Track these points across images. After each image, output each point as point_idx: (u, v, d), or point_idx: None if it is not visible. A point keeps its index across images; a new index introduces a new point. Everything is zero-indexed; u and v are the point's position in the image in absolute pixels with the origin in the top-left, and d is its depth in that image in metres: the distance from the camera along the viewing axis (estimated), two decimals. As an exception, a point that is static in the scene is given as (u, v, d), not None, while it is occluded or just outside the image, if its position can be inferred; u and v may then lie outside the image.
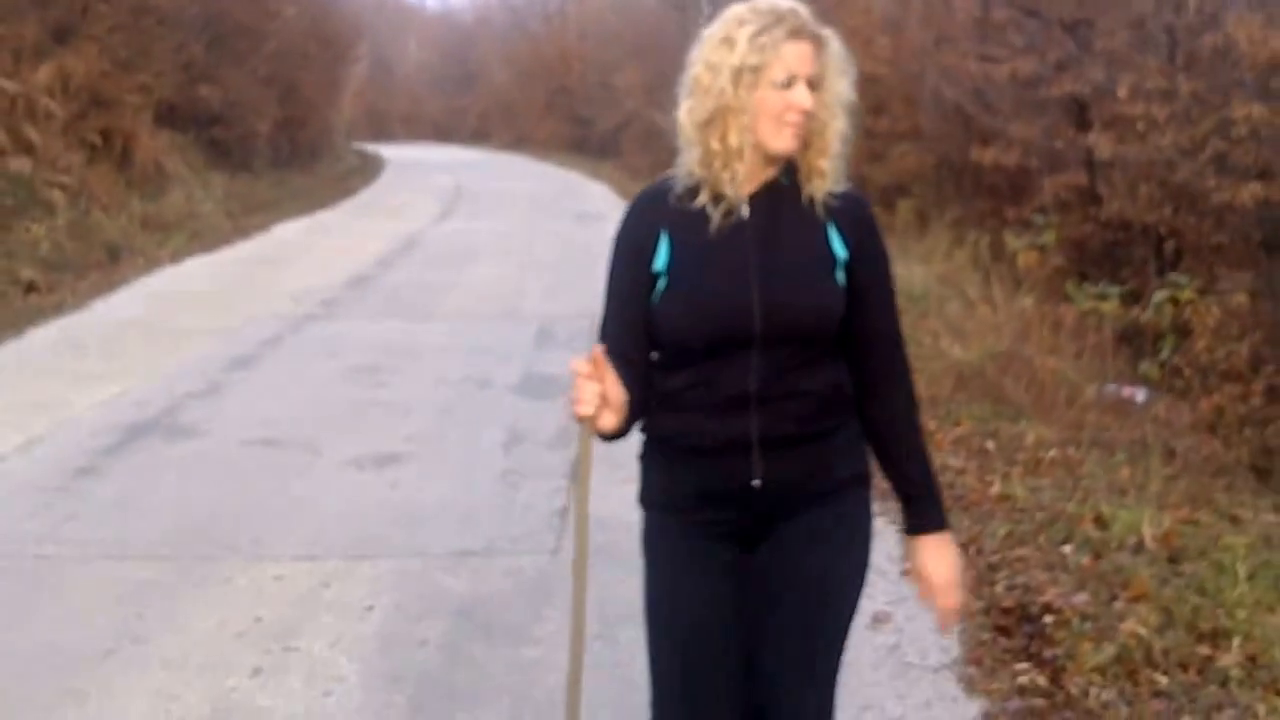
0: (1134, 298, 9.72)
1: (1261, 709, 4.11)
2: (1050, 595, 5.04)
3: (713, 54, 2.58)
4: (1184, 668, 4.43)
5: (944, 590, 2.75)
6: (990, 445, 7.07)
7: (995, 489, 6.33)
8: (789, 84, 2.54)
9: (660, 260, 2.61)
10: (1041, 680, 4.42)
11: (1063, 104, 12.52)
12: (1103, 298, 9.28)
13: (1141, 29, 10.99)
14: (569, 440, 7.10)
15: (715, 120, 2.56)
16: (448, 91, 65.13)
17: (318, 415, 7.84)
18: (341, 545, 5.59)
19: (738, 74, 2.53)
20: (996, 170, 13.57)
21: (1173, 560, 5.40)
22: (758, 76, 2.53)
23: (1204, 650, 4.55)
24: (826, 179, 2.62)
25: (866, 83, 11.73)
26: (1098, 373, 8.71)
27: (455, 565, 5.37)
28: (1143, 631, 4.62)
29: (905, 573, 5.42)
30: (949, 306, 10.67)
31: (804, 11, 2.60)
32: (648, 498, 2.77)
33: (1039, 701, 4.27)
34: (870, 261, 2.69)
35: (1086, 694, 4.27)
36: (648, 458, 2.76)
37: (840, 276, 2.63)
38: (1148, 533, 5.60)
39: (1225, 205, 8.40)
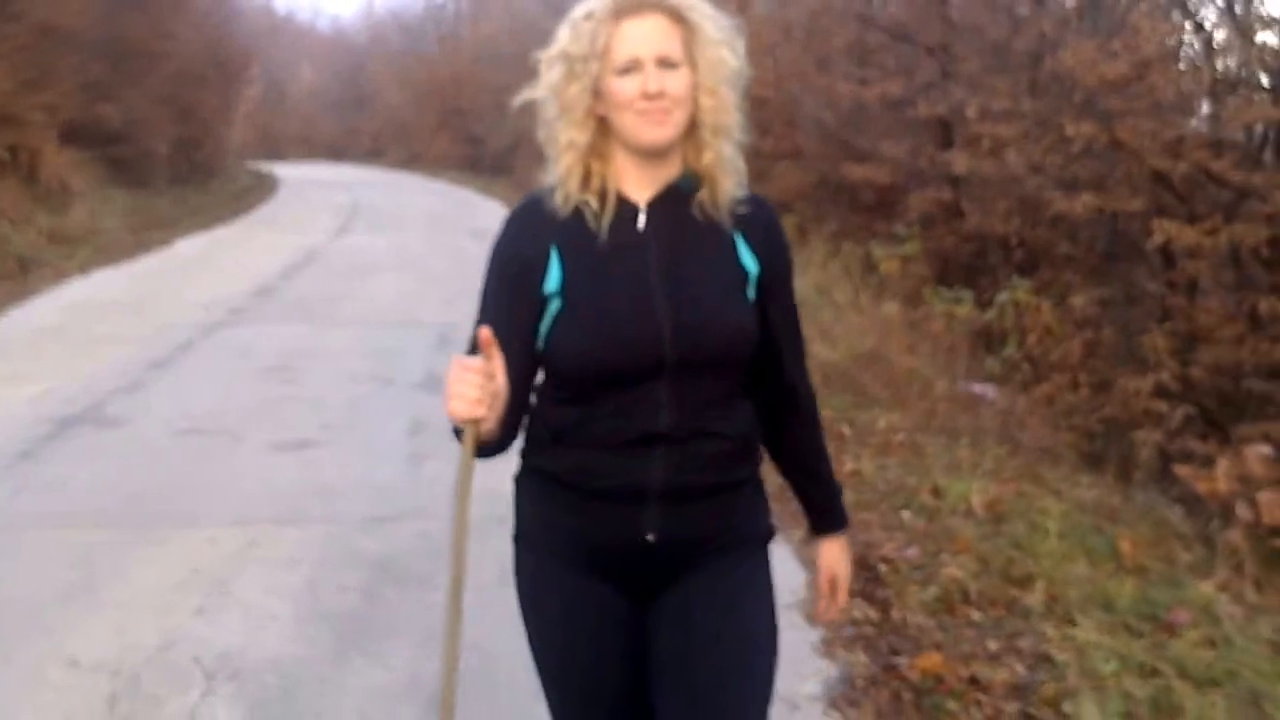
0: (990, 303, 10.62)
1: (1054, 634, 4.92)
2: (886, 549, 5.86)
3: (551, 48, 2.37)
4: (994, 605, 5.25)
5: (841, 587, 2.70)
6: (846, 430, 7.89)
7: (848, 467, 7.14)
8: (629, 68, 2.27)
9: (551, 280, 2.32)
10: (873, 614, 5.22)
11: (928, 124, 13.47)
12: (957, 302, 10.18)
13: (998, 54, 11.95)
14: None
15: (557, 120, 2.35)
16: (341, 112, 65.36)
17: (236, 408, 8.45)
18: (267, 514, 6.25)
19: (565, 64, 2.31)
20: (869, 187, 14.50)
21: (996, 522, 6.23)
22: (590, 66, 2.29)
23: (1013, 592, 5.37)
24: (727, 179, 2.37)
25: (753, 104, 12.76)
26: (951, 370, 9.59)
27: (369, 529, 6.06)
28: (961, 575, 5.45)
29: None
30: (822, 313, 11.49)
31: None
32: (525, 534, 2.53)
33: (869, 629, 5.07)
34: (778, 277, 2.45)
35: (908, 623, 5.09)
36: (526, 490, 2.52)
37: (751, 293, 2.39)
38: (976, 500, 6.43)
39: (1063, 215, 9.32)
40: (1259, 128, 8.39)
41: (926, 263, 12.08)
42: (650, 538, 2.36)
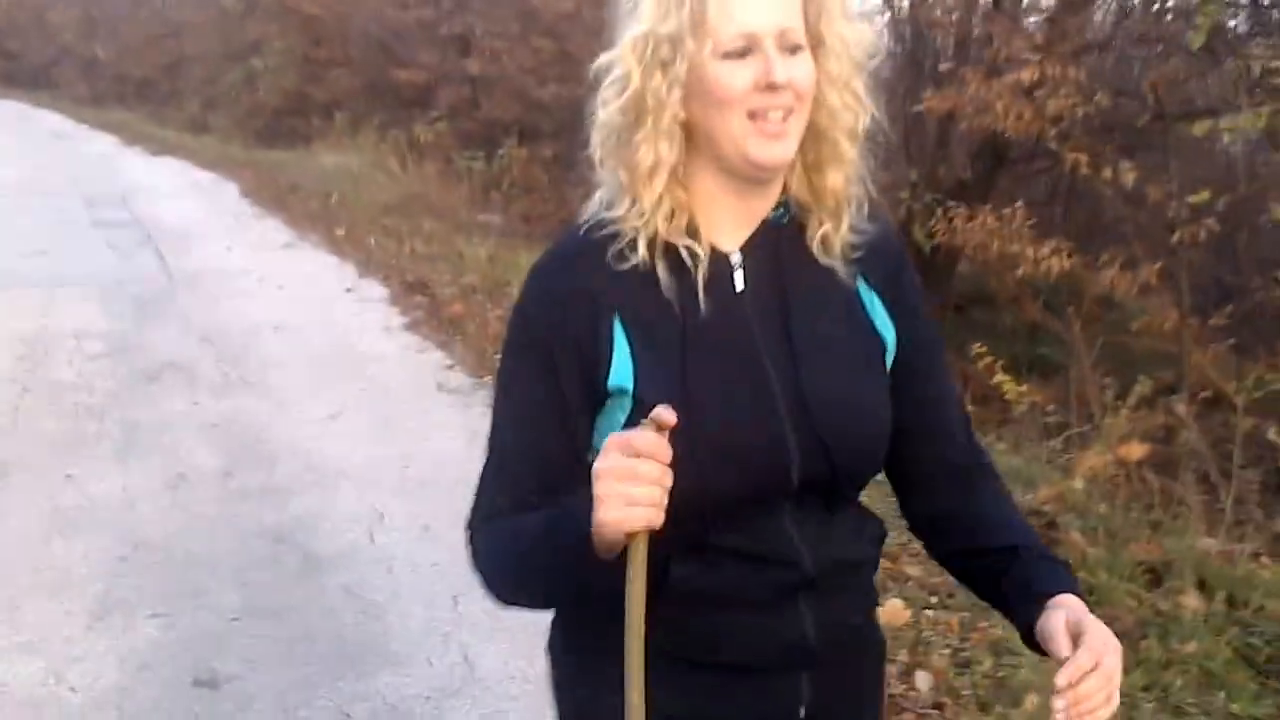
0: (493, 159, 15.19)
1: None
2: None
3: (623, 29, 1.57)
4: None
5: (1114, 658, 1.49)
6: (404, 229, 12.29)
7: (407, 247, 11.52)
8: (746, 51, 1.52)
9: (619, 371, 1.56)
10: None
11: (451, 40, 17.88)
12: (474, 160, 14.70)
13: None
14: (148, 241, 11.83)
15: (631, 129, 1.56)
16: None
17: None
18: (46, 281, 10.15)
19: (648, 48, 1.53)
20: (409, 86, 18.77)
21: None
22: (685, 47, 1.52)
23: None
24: (847, 209, 1.64)
25: (307, 20, 17.52)
26: (470, 205, 14.11)
27: (113, 291, 10.04)
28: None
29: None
30: (379, 176, 15.78)
31: None
32: None
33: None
34: (917, 323, 1.72)
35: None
36: (594, 673, 1.64)
37: (887, 367, 1.69)
38: (482, 254, 10.92)
39: (539, 101, 13.95)
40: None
41: (453, 137, 16.49)
42: (803, 713, 1.69)
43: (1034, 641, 1.59)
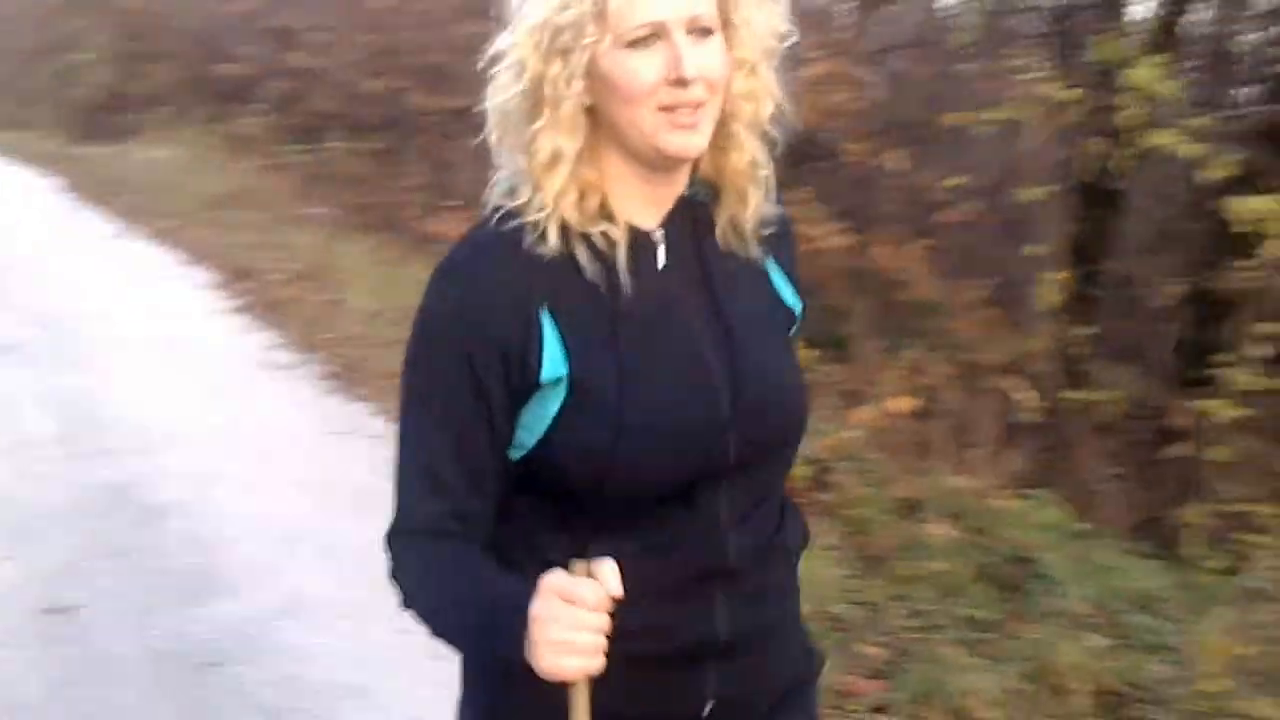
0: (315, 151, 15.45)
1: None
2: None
3: (518, 11, 1.52)
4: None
5: None
6: (231, 219, 12.53)
7: (235, 241, 11.78)
8: (652, 39, 1.47)
9: (552, 363, 1.52)
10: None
11: (275, 33, 18.07)
12: (301, 152, 14.98)
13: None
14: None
15: (529, 120, 1.53)
16: None
17: None
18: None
19: (544, 35, 1.48)
20: (231, 80, 18.90)
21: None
22: (586, 35, 1.47)
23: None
24: (759, 191, 1.63)
25: (125, 14, 17.69)
26: (296, 197, 14.38)
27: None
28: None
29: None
30: (203, 170, 15.95)
31: None
32: None
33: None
34: (802, 312, 1.74)
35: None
36: (494, 668, 1.61)
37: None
38: (308, 253, 11.27)
39: (365, 94, 14.28)
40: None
41: (278, 130, 16.71)
42: (709, 708, 1.66)
43: None
